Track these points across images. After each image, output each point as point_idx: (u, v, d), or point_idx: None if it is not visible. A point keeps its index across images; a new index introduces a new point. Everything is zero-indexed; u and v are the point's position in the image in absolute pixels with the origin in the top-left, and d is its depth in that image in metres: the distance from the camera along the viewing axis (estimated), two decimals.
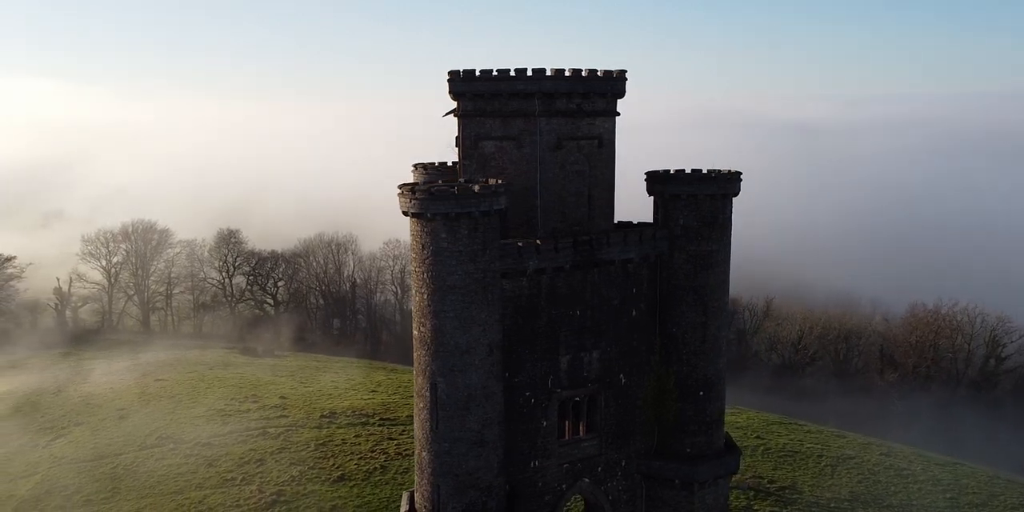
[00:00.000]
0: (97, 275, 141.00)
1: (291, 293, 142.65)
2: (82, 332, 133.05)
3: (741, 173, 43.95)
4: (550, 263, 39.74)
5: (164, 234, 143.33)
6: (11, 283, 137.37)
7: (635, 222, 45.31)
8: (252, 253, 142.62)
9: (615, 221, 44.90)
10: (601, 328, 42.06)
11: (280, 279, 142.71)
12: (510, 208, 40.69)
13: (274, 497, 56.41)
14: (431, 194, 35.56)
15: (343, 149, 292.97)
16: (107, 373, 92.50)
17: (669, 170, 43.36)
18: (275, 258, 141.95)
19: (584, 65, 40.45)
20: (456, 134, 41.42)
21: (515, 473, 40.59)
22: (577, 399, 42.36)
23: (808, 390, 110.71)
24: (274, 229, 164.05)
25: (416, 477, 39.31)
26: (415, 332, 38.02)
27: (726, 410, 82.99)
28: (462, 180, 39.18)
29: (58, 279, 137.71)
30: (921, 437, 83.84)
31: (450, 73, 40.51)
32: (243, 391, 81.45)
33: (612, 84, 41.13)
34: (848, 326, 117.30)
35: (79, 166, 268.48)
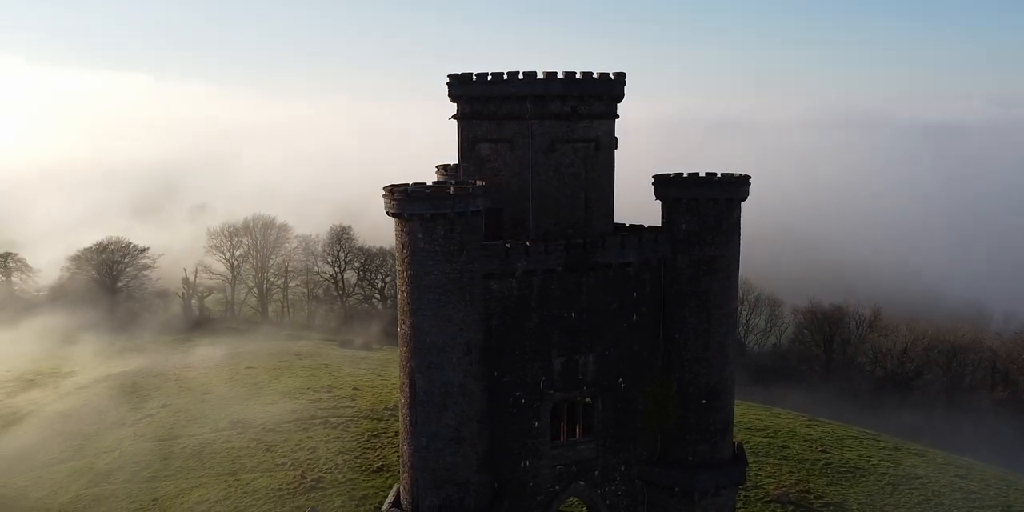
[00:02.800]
0: (221, 267, 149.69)
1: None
2: (203, 320, 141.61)
3: (749, 177, 42.83)
4: (540, 265, 39.97)
5: (283, 229, 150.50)
6: (144, 272, 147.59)
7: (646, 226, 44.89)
8: (362, 249, 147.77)
9: (626, 224, 44.76)
10: (597, 331, 41.91)
11: (388, 275, 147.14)
12: (505, 209, 41.42)
13: (313, 483, 58.94)
14: (407, 195, 36.57)
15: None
16: (206, 358, 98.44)
17: (673, 174, 42.79)
18: (383, 255, 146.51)
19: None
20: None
21: (504, 471, 41.07)
22: (572, 402, 42.49)
23: (911, 404, 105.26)
24: (388, 226, 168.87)
25: (400, 471, 40.44)
26: (399, 329, 39.17)
27: (800, 420, 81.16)
28: (452, 181, 39.97)
29: (185, 270, 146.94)
30: (1016, 460, 78.49)
31: (449, 76, 41.43)
32: (322, 381, 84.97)
33: (609, 87, 40.99)
34: (959, 339, 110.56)
35: (226, 164, 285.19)
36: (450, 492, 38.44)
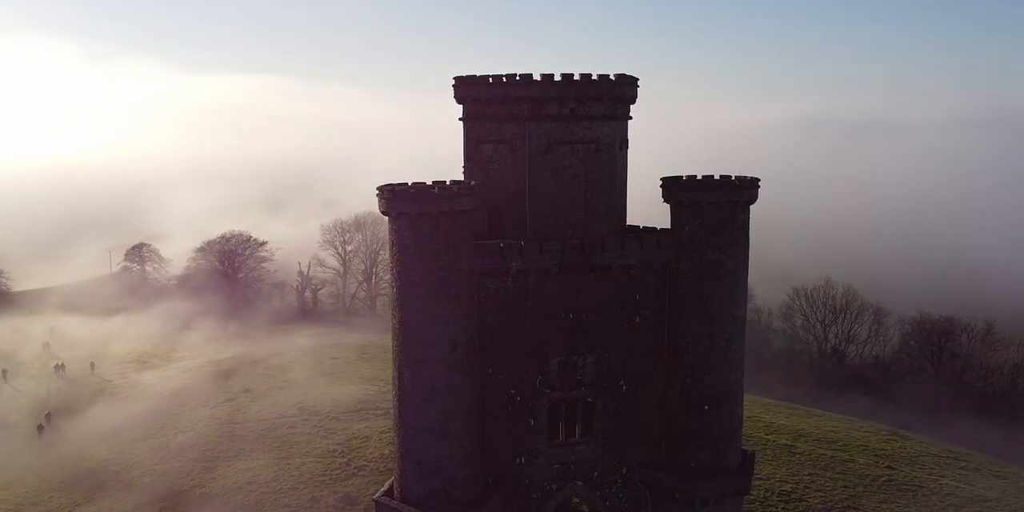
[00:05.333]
0: (334, 261, 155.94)
1: None
2: (313, 311, 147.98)
3: (757, 180, 41.78)
4: (535, 265, 40.38)
5: None
6: (263, 264, 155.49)
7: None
8: None
9: (640, 226, 44.48)
10: (597, 332, 41.92)
11: None
12: (506, 209, 42.01)
13: (355, 470, 61.10)
14: (394, 194, 37.76)
15: None
16: (298, 347, 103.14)
17: (681, 176, 42.23)
18: None
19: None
20: None
21: (498, 467, 41.77)
22: (571, 401, 42.62)
23: (1020, 425, 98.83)
24: None
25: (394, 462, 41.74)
26: (391, 324, 40.45)
27: (881, 434, 77.63)
28: (450, 181, 40.84)
29: (299, 263, 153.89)
30: None
31: (454, 78, 42.36)
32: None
33: (609, 88, 40.89)
34: None
35: (359, 162, 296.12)
36: (436, 484, 39.41)
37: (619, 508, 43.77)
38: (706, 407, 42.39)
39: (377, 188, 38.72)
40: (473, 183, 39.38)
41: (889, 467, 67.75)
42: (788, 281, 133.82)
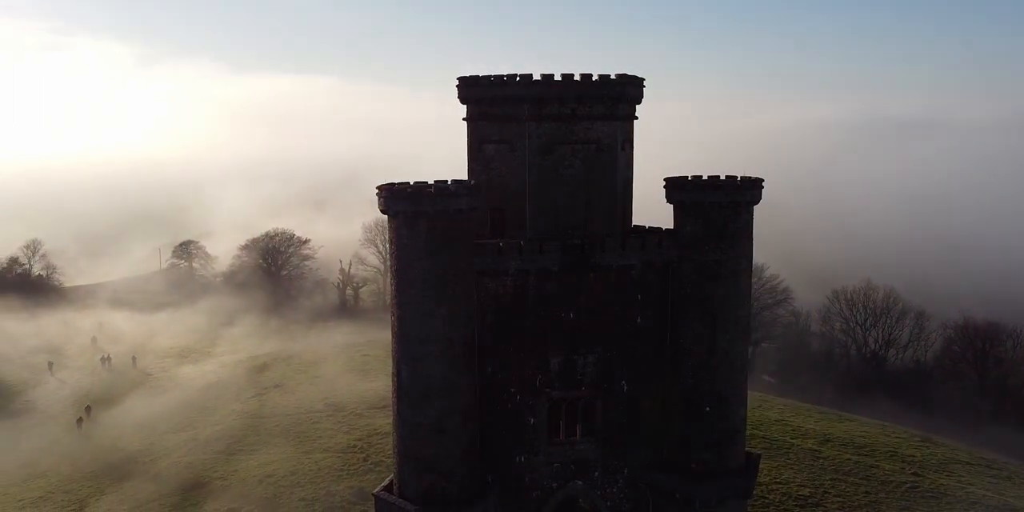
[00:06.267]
0: (375, 259, 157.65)
1: None
2: (353, 309, 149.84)
3: (760, 180, 41.42)
4: (534, 264, 40.57)
5: None
6: (305, 262, 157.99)
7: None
8: None
9: (646, 227, 44.40)
10: (598, 332, 41.89)
11: None
12: (508, 209, 42.27)
13: (372, 466, 61.91)
14: (392, 193, 38.27)
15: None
16: (334, 345, 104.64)
17: (683, 177, 42.06)
18: None
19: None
20: None
21: (498, 465, 42.03)
22: (572, 401, 42.69)
23: None
24: None
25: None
26: (391, 321, 40.99)
27: (912, 441, 76.14)
28: (451, 181, 41.22)
29: (340, 261, 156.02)
30: None
31: (458, 79, 42.74)
32: None
33: (610, 88, 40.87)
34: None
35: (407, 162, 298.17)
36: (432, 480, 39.81)
37: (621, 508, 43.73)
38: (707, 409, 42.15)
39: (376, 187, 39.28)
40: (472, 183, 39.70)
41: (915, 473, 66.49)
42: (830, 283, 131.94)
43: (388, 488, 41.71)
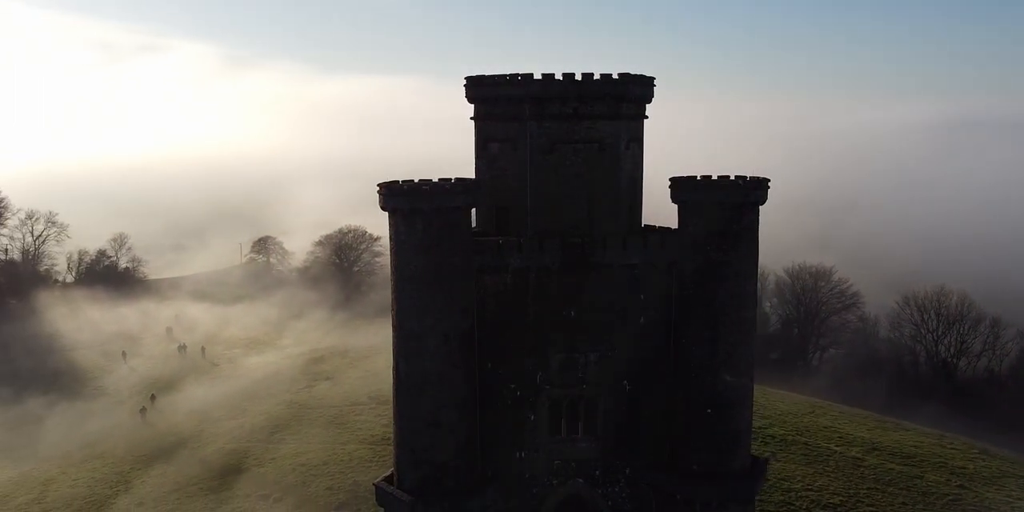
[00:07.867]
0: None
1: None
2: None
3: (766, 181, 40.75)
4: (534, 262, 40.91)
5: None
6: (376, 259, 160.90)
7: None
8: None
9: (656, 226, 44.22)
10: (600, 331, 41.97)
11: None
12: (511, 208, 42.69)
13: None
14: (389, 191, 39.12)
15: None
16: (389, 339, 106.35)
17: (688, 176, 41.66)
18: None
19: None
20: None
21: (497, 460, 42.53)
22: (573, 399, 42.80)
23: None
24: None
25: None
26: (390, 316, 41.88)
27: (970, 453, 73.42)
28: (455, 179, 41.82)
29: None
30: None
31: (466, 78, 43.34)
32: None
33: (612, 87, 40.84)
34: None
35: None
36: (427, 472, 40.53)
37: (623, 508, 43.68)
38: (709, 410, 41.71)
39: (377, 185, 40.18)
40: (470, 180, 40.23)
41: (961, 486, 64.09)
42: (907, 286, 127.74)
43: (389, 479, 42.63)
